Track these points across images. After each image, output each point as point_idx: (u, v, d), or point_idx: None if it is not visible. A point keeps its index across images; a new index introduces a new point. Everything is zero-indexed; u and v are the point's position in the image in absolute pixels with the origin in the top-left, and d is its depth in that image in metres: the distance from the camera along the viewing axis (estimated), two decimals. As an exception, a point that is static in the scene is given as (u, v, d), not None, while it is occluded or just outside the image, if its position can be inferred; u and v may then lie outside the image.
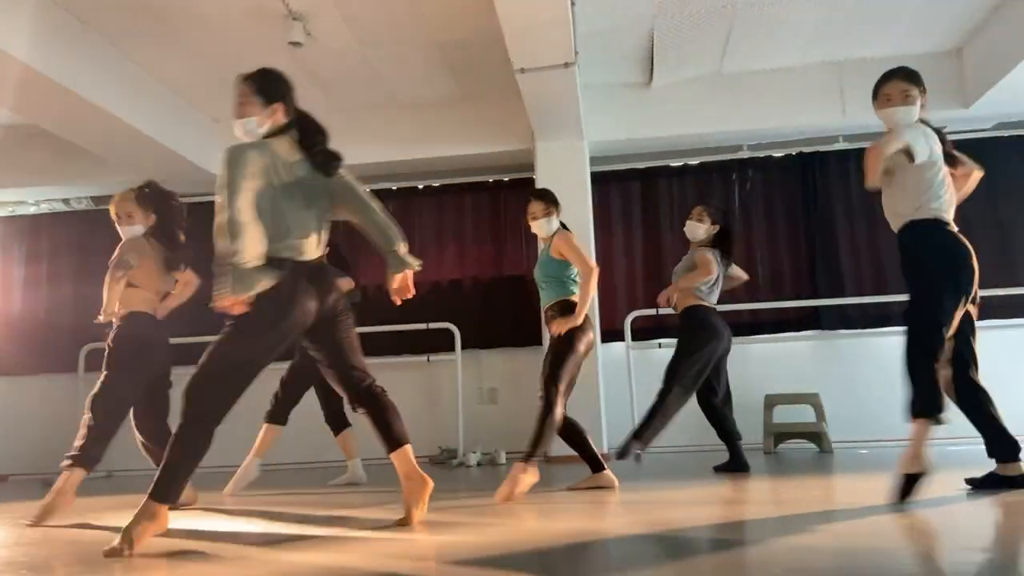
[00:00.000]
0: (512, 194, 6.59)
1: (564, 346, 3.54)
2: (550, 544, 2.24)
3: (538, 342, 6.03)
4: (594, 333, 3.74)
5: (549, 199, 3.88)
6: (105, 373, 3.36)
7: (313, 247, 2.61)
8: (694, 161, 6.43)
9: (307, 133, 2.69)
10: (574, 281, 3.71)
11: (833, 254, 6.15)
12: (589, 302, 3.60)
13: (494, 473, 4.94)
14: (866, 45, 5.50)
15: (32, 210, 7.05)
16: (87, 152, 6.22)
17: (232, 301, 2.37)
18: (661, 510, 2.91)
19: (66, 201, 6.99)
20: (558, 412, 3.48)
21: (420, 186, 6.69)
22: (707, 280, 4.26)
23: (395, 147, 6.26)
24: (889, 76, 2.98)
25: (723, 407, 4.32)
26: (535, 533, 2.49)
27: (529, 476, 3.40)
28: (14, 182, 6.62)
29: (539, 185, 5.95)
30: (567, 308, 3.64)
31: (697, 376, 4.17)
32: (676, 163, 6.45)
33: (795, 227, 6.26)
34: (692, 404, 4.28)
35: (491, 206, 6.64)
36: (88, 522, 3.20)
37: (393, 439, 2.69)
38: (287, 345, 2.55)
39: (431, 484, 2.67)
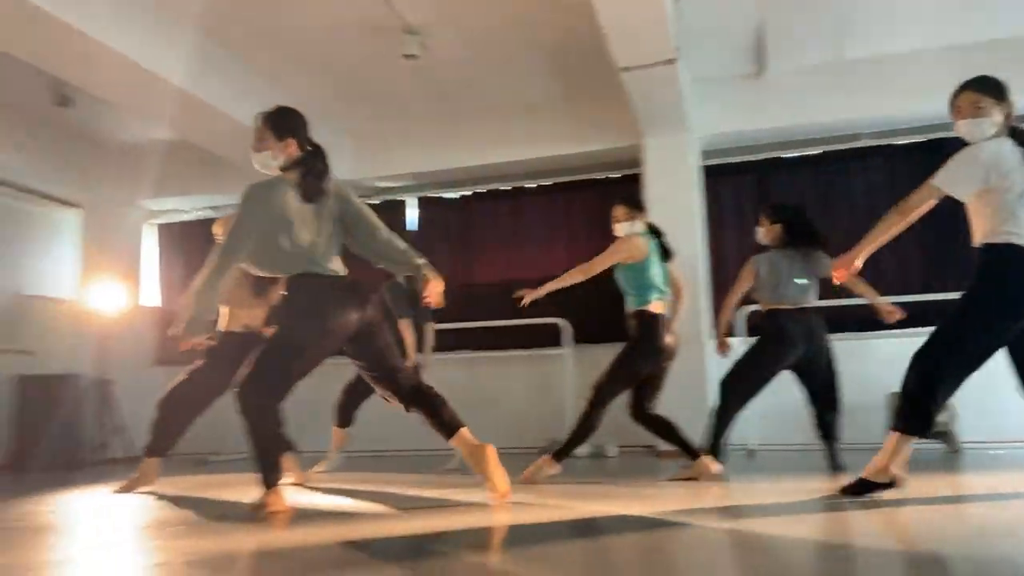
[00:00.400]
0: (620, 190, 6.62)
1: (627, 360, 3.71)
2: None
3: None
4: (665, 351, 3.81)
5: (632, 204, 3.98)
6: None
7: (339, 265, 2.87)
8: (812, 151, 6.26)
9: (311, 165, 2.88)
10: (655, 288, 3.78)
11: (962, 245, 5.80)
12: (554, 286, 3.86)
13: (602, 465, 5.06)
14: (991, 27, 5.19)
15: (186, 217, 7.83)
16: (231, 163, 6.87)
17: (189, 342, 2.85)
18: (733, 497, 2.95)
19: (215, 208, 7.70)
20: (599, 417, 3.72)
21: (531, 185, 6.90)
22: (755, 288, 4.14)
23: (506, 149, 6.49)
24: (963, 87, 2.86)
25: (822, 408, 4.18)
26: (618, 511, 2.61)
27: (550, 468, 3.72)
28: (171, 192, 7.39)
29: (648, 181, 6.01)
30: (644, 319, 3.76)
31: (757, 382, 4.03)
32: (792, 154, 6.31)
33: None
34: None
35: (600, 203, 6.71)
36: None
37: (450, 427, 2.91)
38: (328, 352, 2.82)
39: (492, 449, 2.89)
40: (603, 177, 6.77)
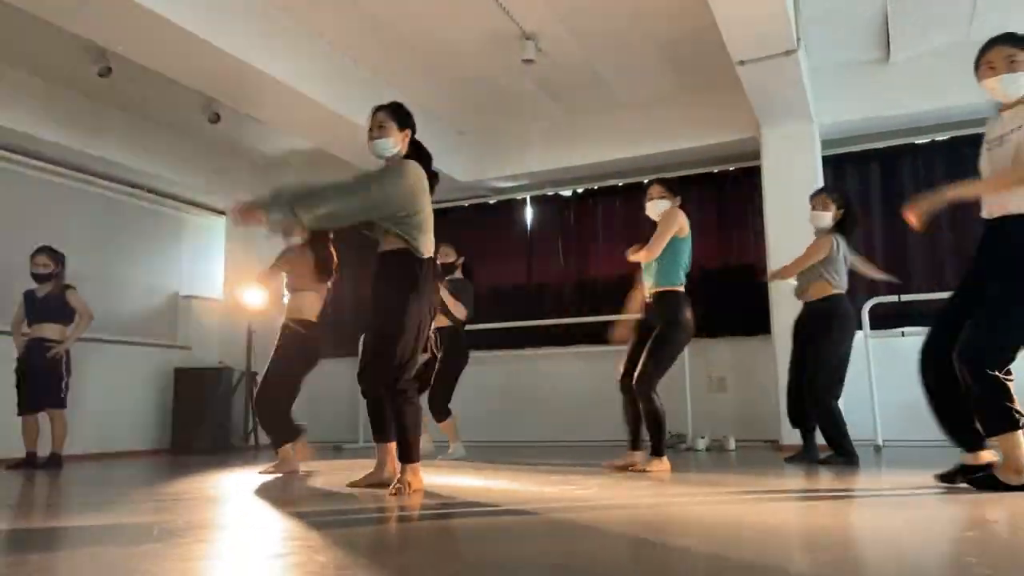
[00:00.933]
0: (737, 183, 6.62)
1: (664, 342, 3.88)
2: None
3: (766, 331, 6.03)
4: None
5: (668, 185, 4.14)
6: None
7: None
8: (941, 137, 6.00)
9: (422, 157, 3.21)
10: (683, 268, 3.96)
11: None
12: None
13: (721, 458, 5.07)
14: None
15: (318, 221, 8.35)
16: (354, 169, 7.30)
17: (254, 216, 2.83)
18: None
19: (344, 212, 8.19)
20: (658, 404, 3.86)
21: (646, 180, 6.94)
22: (826, 263, 4.21)
23: (620, 145, 6.57)
24: (991, 42, 2.71)
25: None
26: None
27: (659, 465, 3.85)
28: (305, 198, 7.91)
29: (767, 173, 5.94)
30: (668, 299, 3.91)
31: (839, 369, 4.24)
32: (921, 140, 6.06)
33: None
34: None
35: (717, 196, 6.71)
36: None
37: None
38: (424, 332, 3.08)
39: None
40: (719, 171, 6.73)
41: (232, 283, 7.88)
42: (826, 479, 3.45)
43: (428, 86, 6.09)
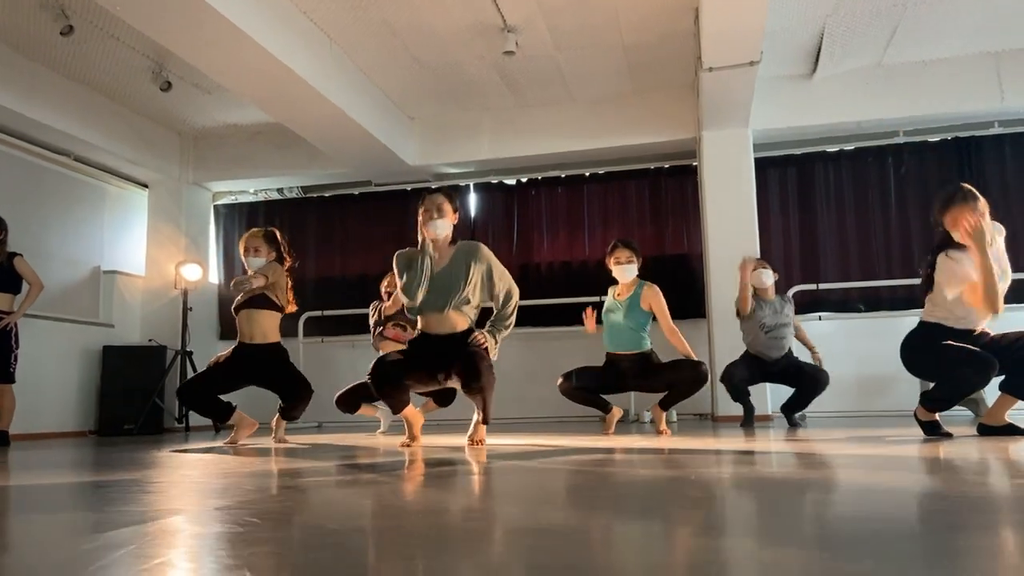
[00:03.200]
0: (672, 180, 7.22)
1: None
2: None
3: (701, 315, 6.65)
4: None
5: (635, 248, 4.57)
6: None
7: None
8: (850, 147, 6.85)
9: None
10: (647, 335, 4.45)
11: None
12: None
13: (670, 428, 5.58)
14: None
15: (251, 199, 8.17)
16: (303, 147, 7.24)
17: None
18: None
19: (280, 190, 8.06)
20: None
21: (587, 174, 7.39)
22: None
23: (568, 139, 6.94)
24: None
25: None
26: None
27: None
28: (240, 174, 7.73)
29: (706, 172, 6.53)
30: (650, 360, 4.44)
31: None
32: (832, 148, 6.89)
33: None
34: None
35: (652, 191, 7.26)
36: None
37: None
38: None
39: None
40: (655, 167, 7.29)
41: (156, 259, 7.57)
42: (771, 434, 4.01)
43: (393, 68, 6.18)
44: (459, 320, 3.58)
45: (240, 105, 6.91)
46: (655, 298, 4.42)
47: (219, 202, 8.26)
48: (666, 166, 7.27)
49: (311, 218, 8.07)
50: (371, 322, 5.48)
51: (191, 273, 6.96)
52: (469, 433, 3.62)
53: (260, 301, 4.38)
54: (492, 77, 6.35)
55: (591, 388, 4.50)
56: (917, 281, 6.36)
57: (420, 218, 3.61)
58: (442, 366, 3.55)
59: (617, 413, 4.63)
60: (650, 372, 4.41)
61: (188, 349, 6.90)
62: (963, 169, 6.55)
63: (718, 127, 6.38)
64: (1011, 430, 3.40)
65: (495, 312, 3.69)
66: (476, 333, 3.54)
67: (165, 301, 7.47)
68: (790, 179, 6.96)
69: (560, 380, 4.57)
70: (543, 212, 7.48)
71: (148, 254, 7.62)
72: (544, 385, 6.95)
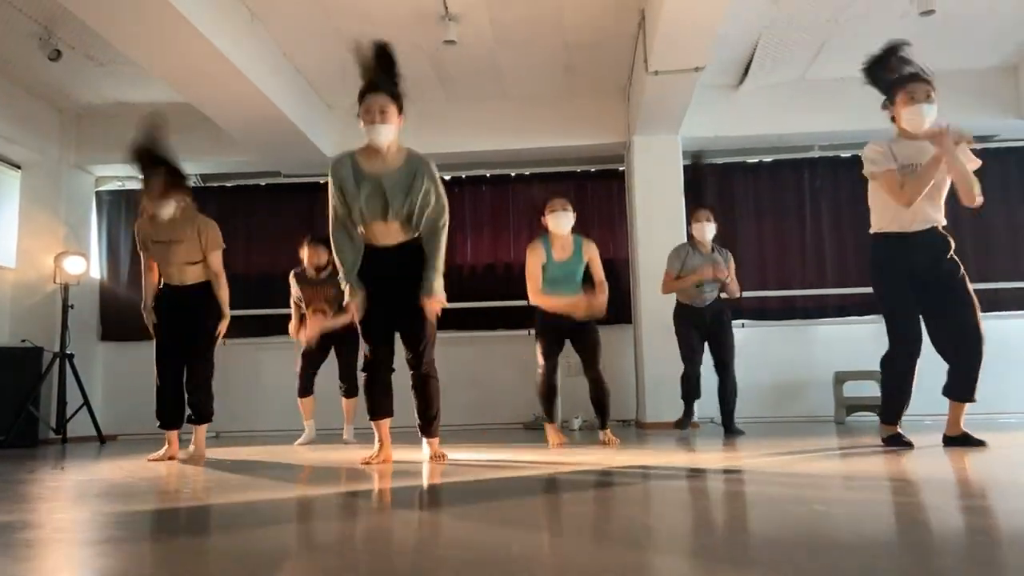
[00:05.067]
0: (598, 184, 7.16)
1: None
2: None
3: (627, 320, 6.63)
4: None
5: (570, 199, 4.46)
6: None
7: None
8: (768, 159, 7.03)
9: None
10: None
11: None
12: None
13: (593, 435, 5.48)
14: (938, 58, 6.11)
15: (140, 185, 7.39)
16: (205, 130, 6.64)
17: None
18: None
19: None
20: None
21: (513, 174, 7.21)
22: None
23: (499, 138, 6.74)
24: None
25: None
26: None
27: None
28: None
29: (636, 177, 6.49)
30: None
31: None
32: (752, 160, 7.05)
33: (859, 219, 6.88)
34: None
35: (578, 194, 7.15)
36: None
37: None
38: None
39: None
40: (582, 170, 7.20)
41: (28, 250, 6.71)
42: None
43: (316, 50, 5.76)
44: (404, 231, 3.28)
45: (133, 81, 6.25)
46: (594, 251, 4.40)
47: (102, 188, 7.46)
48: (592, 170, 7.20)
49: (210, 209, 7.26)
50: (292, 300, 5.28)
51: (74, 266, 6.21)
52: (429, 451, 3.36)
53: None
54: (424, 68, 6.04)
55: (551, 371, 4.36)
56: (831, 291, 6.74)
57: (361, 121, 3.24)
58: (397, 279, 3.26)
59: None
60: (585, 326, 4.30)
61: (68, 351, 6.15)
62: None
63: (650, 132, 6.36)
64: (966, 440, 3.45)
65: (427, 248, 3.34)
66: (425, 299, 3.25)
67: (39, 297, 6.65)
68: (710, 188, 7.03)
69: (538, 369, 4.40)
70: (466, 212, 7.22)
71: (20, 243, 6.73)
72: (473, 391, 6.73)
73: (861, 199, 6.78)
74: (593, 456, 3.54)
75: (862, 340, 6.71)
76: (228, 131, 6.18)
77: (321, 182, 7.26)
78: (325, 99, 6.67)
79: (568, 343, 4.43)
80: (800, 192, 6.96)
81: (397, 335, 3.33)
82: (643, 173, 6.44)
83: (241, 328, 6.88)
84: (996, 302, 6.42)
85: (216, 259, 4.06)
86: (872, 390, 6.28)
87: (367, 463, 3.21)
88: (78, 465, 3.91)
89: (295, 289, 5.26)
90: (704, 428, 5.70)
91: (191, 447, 4.05)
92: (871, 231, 3.66)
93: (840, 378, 6.35)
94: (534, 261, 4.28)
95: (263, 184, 7.40)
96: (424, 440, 3.40)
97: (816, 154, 6.95)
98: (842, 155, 6.97)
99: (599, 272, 4.35)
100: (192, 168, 7.20)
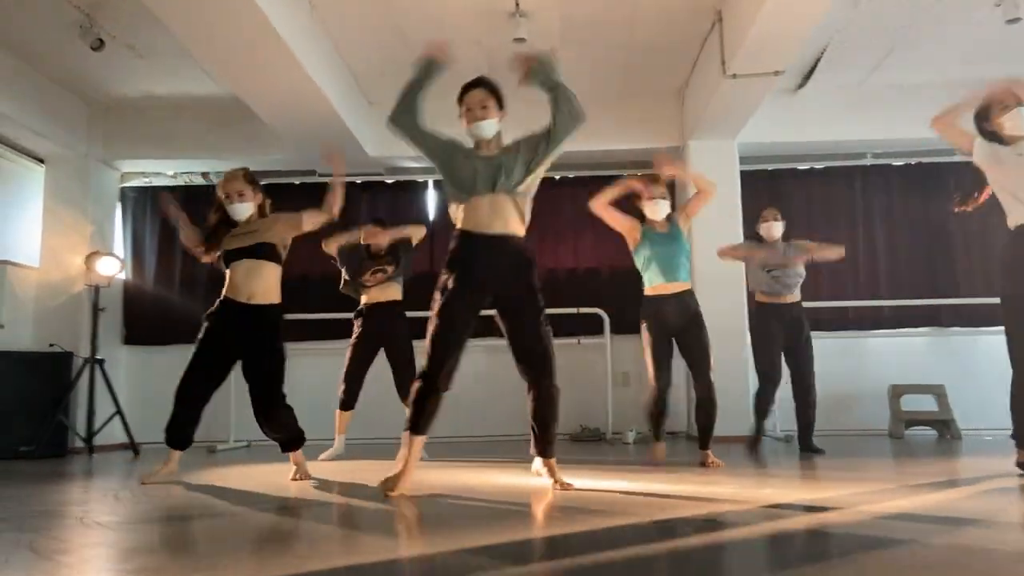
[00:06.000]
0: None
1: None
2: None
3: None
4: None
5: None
6: None
7: None
8: (820, 165, 6.87)
9: None
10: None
11: (948, 256, 6.69)
12: None
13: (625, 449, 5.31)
14: (996, 66, 5.98)
15: (168, 182, 7.11)
16: (241, 125, 6.38)
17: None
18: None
19: (204, 175, 7.07)
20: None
21: (557, 177, 6.99)
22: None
23: (548, 138, 6.51)
24: None
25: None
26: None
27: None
28: (159, 153, 6.70)
29: (691, 183, 6.28)
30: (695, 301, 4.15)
31: None
32: (803, 166, 6.88)
33: (914, 229, 6.76)
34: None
35: (625, 198, 6.95)
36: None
37: None
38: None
39: None
40: (628, 175, 6.97)
41: (53, 249, 6.39)
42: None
43: (369, 44, 5.51)
44: (511, 217, 3.08)
45: (170, 73, 5.96)
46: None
47: (127, 184, 7.15)
48: (639, 173, 6.98)
49: None
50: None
51: (107, 267, 5.91)
52: (551, 475, 3.07)
53: (263, 250, 3.64)
54: (479, 66, 5.78)
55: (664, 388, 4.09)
56: (885, 302, 6.59)
57: (463, 117, 3.17)
58: (492, 283, 3.01)
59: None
60: (698, 321, 4.04)
61: (98, 356, 5.86)
62: (926, 192, 6.72)
63: (706, 137, 6.17)
64: None
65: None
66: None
67: (64, 298, 6.33)
68: (761, 194, 6.87)
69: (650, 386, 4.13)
70: (509, 215, 6.98)
71: (44, 242, 6.42)
72: (506, 401, 6.49)
73: (914, 208, 6.80)
74: (721, 486, 3.28)
75: (916, 353, 6.60)
76: (271, 126, 5.90)
77: (358, 182, 7.02)
78: (368, 95, 6.41)
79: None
80: (852, 200, 6.81)
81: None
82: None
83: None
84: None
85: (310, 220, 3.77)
86: (929, 404, 6.16)
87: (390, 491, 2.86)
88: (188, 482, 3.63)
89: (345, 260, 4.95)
90: (769, 445, 5.48)
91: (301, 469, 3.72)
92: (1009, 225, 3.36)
93: (897, 391, 6.20)
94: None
95: (297, 183, 7.11)
96: (539, 460, 3.15)
97: (869, 162, 6.80)
98: (894, 163, 6.82)
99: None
100: (224, 164, 6.91)
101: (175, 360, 6.66)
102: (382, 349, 4.84)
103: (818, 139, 6.48)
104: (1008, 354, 3.36)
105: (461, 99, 3.20)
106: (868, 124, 6.40)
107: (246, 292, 3.58)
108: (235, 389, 6.10)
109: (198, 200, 7.05)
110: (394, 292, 4.92)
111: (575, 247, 6.91)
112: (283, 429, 3.61)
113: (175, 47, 5.02)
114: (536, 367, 2.99)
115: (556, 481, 3.01)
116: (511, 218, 3.06)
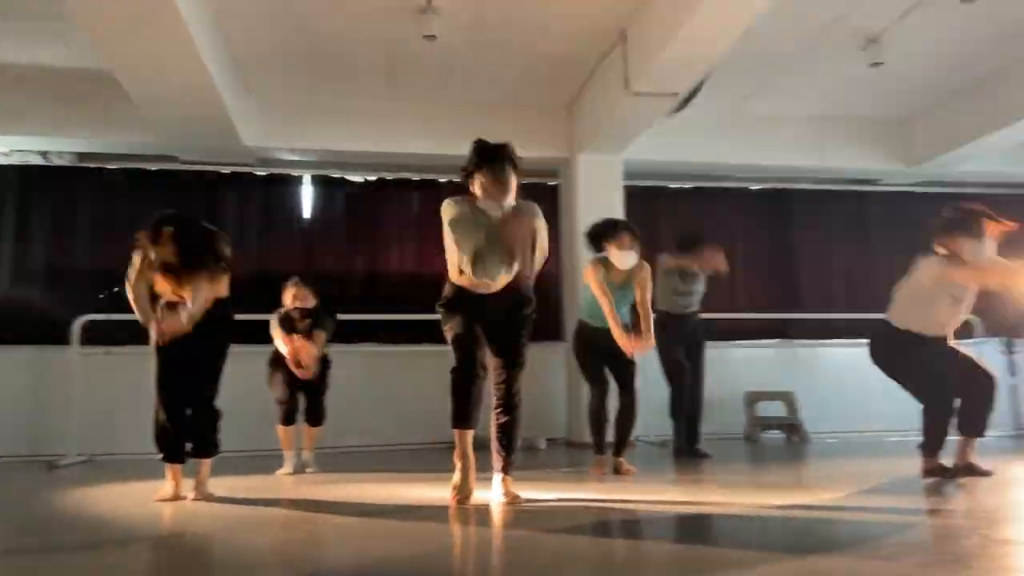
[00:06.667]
0: (528, 197, 7.00)
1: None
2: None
3: (557, 337, 6.54)
4: None
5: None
6: None
7: None
8: (688, 185, 7.30)
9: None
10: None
11: (794, 275, 7.35)
12: None
13: (533, 457, 5.37)
14: (849, 105, 6.69)
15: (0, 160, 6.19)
16: (98, 103, 5.73)
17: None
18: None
19: (44, 154, 6.22)
20: None
21: (443, 179, 6.87)
22: None
23: (436, 141, 6.34)
24: None
25: None
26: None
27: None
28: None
29: (579, 194, 6.43)
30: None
31: None
32: (673, 185, 7.28)
33: (767, 248, 7.37)
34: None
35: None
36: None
37: None
38: None
39: None
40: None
41: None
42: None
43: (262, 27, 5.13)
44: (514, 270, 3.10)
45: (21, 38, 5.23)
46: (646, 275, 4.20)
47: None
48: (526, 183, 7.04)
49: (84, 195, 6.37)
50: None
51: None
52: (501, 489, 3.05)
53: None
54: (377, 60, 5.60)
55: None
56: (744, 315, 7.09)
57: (481, 188, 3.07)
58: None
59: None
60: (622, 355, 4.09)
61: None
62: (782, 216, 7.36)
63: (596, 152, 6.34)
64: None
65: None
66: None
67: None
68: (635, 210, 7.17)
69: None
70: (391, 217, 6.80)
71: None
72: (388, 409, 6.28)
73: (768, 230, 7.39)
74: (647, 493, 3.39)
75: (768, 362, 7.17)
76: (138, 104, 5.30)
77: (224, 171, 6.53)
78: (247, 81, 5.96)
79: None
80: (715, 220, 7.28)
81: None
82: (587, 191, 6.41)
83: (127, 334, 6.01)
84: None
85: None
86: (780, 410, 6.71)
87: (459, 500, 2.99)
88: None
89: (278, 334, 4.51)
90: (644, 450, 5.70)
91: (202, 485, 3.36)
92: None
93: (752, 398, 6.69)
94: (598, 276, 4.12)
95: (154, 169, 6.46)
96: (498, 477, 3.08)
97: (731, 184, 7.32)
98: (751, 187, 7.40)
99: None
100: (71, 144, 6.16)
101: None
102: None
103: (688, 160, 6.87)
104: None
105: (482, 163, 3.10)
106: (733, 149, 6.89)
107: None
108: (78, 394, 5.46)
109: (31, 182, 6.26)
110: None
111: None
112: (203, 429, 3.28)
113: (37, 9, 4.39)
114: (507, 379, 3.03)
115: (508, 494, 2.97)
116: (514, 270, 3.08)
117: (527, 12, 4.98)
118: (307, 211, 6.71)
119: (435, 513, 2.85)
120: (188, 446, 3.29)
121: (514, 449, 3.08)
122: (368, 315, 6.40)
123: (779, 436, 6.72)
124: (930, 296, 3.48)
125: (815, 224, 7.44)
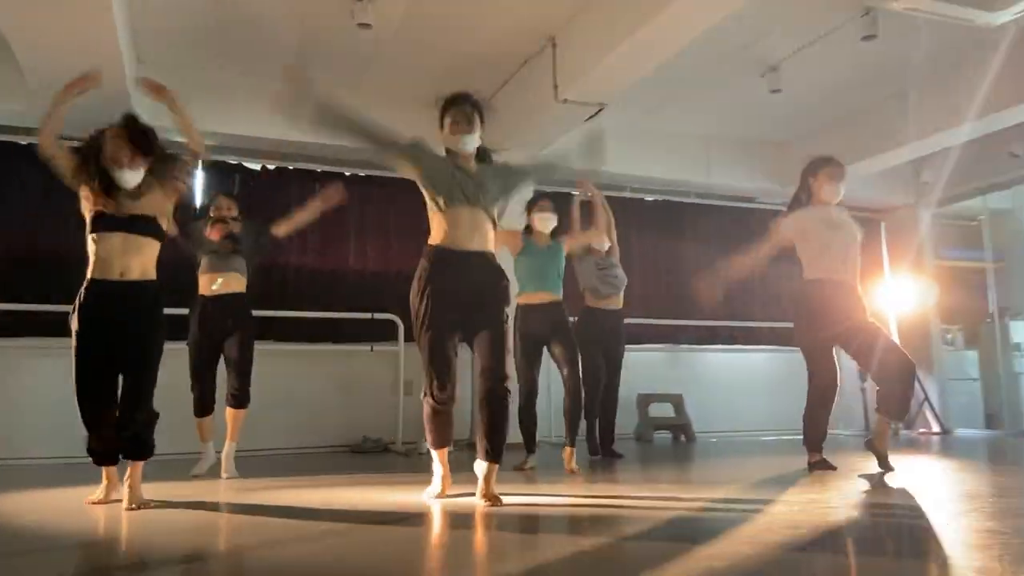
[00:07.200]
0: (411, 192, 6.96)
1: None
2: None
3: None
4: None
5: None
6: None
7: None
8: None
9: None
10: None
11: (682, 282, 7.74)
12: None
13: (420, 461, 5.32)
14: (723, 127, 7.18)
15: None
16: None
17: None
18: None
19: None
20: None
21: (347, 172, 6.65)
22: None
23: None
24: None
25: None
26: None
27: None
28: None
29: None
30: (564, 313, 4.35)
31: None
32: (575, 192, 7.44)
33: (664, 257, 7.74)
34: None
35: (412, 203, 6.86)
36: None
37: None
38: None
39: None
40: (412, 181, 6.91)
41: None
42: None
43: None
44: (488, 234, 3.05)
45: None
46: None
47: None
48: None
49: None
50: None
51: None
52: (482, 488, 2.96)
53: (143, 225, 3.03)
54: (288, 42, 5.35)
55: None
56: (636, 320, 7.34)
57: (446, 128, 3.13)
58: (469, 299, 2.95)
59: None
60: (563, 330, 4.15)
61: None
62: (672, 226, 7.75)
63: (508, 152, 6.35)
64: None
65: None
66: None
67: None
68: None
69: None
70: (291, 209, 6.46)
71: None
72: (294, 411, 5.98)
73: (660, 239, 7.75)
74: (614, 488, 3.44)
75: (658, 366, 7.52)
76: (23, 65, 4.77)
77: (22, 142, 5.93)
78: (139, 53, 5.48)
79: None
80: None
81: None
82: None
83: (18, 325, 5.45)
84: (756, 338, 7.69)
85: None
86: (669, 411, 7.06)
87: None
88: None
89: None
90: (548, 452, 5.76)
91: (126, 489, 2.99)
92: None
93: (645, 400, 7.00)
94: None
95: (24, 143, 5.77)
96: (482, 467, 2.99)
97: (627, 194, 7.62)
98: (647, 198, 7.75)
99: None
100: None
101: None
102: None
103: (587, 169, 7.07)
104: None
105: (446, 110, 3.18)
106: (632, 161, 7.16)
107: (119, 268, 2.94)
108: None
109: None
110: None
111: (360, 247, 6.66)
112: (137, 427, 2.97)
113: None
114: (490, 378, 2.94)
115: (487, 495, 2.92)
116: (488, 235, 3.03)
117: (462, 9, 4.95)
118: (199, 199, 6.26)
119: (405, 518, 2.76)
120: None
121: (504, 438, 2.98)
122: (265, 311, 6.07)
123: (667, 436, 7.08)
124: None
125: (702, 236, 7.90)
